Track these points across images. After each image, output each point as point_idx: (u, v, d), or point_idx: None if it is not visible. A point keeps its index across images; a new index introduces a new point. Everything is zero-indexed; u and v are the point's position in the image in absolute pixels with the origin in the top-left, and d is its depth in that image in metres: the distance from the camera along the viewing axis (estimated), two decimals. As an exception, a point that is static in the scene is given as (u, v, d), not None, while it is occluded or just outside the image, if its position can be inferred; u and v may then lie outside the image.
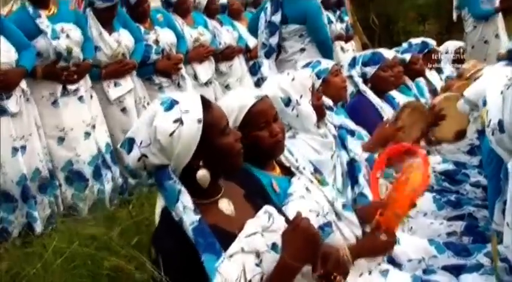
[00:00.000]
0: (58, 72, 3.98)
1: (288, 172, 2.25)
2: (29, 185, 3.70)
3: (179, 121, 1.63)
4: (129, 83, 4.50)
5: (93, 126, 4.19)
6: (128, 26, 4.54)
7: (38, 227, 3.69)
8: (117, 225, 2.65)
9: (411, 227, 2.64)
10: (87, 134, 4.13)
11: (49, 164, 3.95)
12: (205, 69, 5.41)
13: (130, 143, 1.68)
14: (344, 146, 2.91)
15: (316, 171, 2.34)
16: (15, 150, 3.65)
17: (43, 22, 3.92)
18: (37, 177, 3.80)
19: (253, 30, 5.27)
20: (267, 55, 4.82)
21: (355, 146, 2.96)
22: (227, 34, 5.86)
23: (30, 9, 3.93)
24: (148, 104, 4.59)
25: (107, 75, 4.37)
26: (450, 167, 3.47)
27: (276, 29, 4.72)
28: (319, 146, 2.69)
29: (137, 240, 2.34)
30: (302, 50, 4.77)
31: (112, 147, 4.32)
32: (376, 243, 2.07)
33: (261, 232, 1.68)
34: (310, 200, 2.10)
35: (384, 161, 2.42)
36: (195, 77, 5.31)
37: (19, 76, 3.72)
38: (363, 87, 3.75)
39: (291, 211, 1.97)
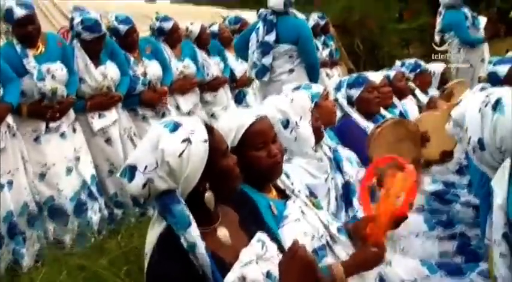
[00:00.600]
0: (43, 111, 3.95)
1: (283, 195, 2.21)
2: (16, 222, 3.65)
3: (187, 141, 1.59)
4: (114, 114, 4.48)
5: (77, 158, 4.15)
6: (115, 58, 4.53)
7: (25, 263, 3.63)
8: (105, 256, 2.61)
9: (403, 248, 2.63)
10: (69, 170, 4.09)
11: (36, 197, 3.90)
12: (186, 100, 5.48)
13: (131, 170, 1.60)
14: (339, 169, 2.86)
15: (311, 194, 2.32)
16: (1, 186, 3.61)
17: (30, 62, 3.88)
18: (25, 211, 3.75)
19: (240, 50, 5.31)
20: (260, 75, 4.85)
21: (350, 169, 2.92)
22: (214, 66, 5.94)
23: (18, 48, 3.87)
24: (134, 134, 4.59)
25: (92, 107, 4.35)
26: (440, 187, 3.45)
27: (269, 49, 4.78)
28: (315, 170, 2.64)
29: (126, 269, 2.30)
30: (291, 70, 4.82)
31: (97, 179, 4.29)
32: (367, 256, 2.01)
33: (256, 260, 1.65)
34: (305, 222, 2.08)
35: (373, 171, 2.39)
36: (178, 107, 5.35)
37: (5, 112, 3.70)
38: (348, 108, 3.71)
39: (286, 234, 1.95)
